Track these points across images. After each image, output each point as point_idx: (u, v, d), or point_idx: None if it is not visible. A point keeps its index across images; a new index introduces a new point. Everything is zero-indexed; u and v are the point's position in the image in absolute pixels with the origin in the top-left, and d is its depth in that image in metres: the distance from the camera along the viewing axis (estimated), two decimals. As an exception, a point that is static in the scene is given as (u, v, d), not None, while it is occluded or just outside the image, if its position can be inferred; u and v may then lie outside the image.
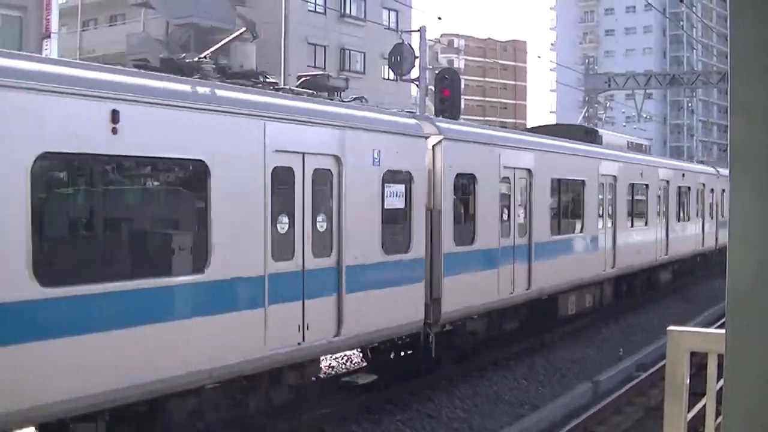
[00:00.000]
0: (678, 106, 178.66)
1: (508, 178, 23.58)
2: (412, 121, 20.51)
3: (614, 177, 31.67)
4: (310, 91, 18.45)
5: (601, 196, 30.48)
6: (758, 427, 3.11)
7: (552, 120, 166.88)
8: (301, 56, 62.95)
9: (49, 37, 41.49)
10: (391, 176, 18.67)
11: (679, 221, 40.46)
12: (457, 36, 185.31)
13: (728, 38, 3.05)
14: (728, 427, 3.19)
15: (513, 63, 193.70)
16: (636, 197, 34.41)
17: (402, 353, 21.68)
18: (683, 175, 41.75)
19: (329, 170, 16.77)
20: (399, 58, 39.44)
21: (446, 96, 32.03)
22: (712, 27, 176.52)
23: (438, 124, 21.41)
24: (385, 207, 18.53)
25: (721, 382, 3.36)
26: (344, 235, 16.93)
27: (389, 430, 18.28)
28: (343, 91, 20.16)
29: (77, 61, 17.63)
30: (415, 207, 19.56)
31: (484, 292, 22.24)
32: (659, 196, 37.02)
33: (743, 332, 3.07)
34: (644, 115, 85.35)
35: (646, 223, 35.53)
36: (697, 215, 43.87)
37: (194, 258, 14.02)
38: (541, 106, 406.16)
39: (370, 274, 17.91)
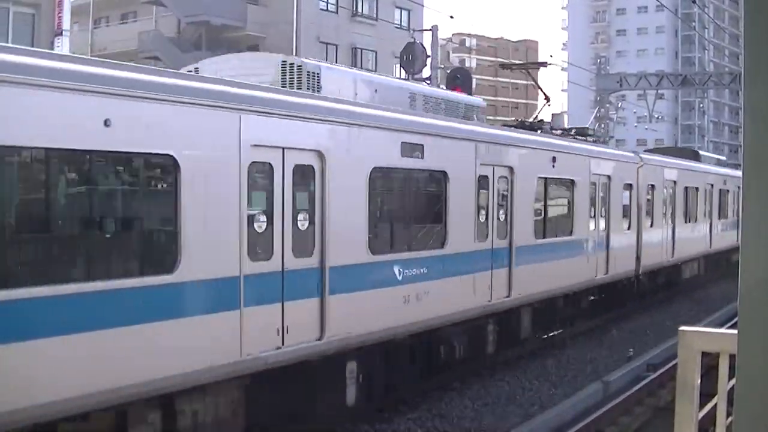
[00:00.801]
0: (689, 106, 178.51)
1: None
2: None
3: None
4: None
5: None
6: (770, 428, 3.12)
7: (564, 120, 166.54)
8: (312, 55, 62.86)
9: (61, 34, 41.60)
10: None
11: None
12: (469, 35, 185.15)
13: (742, 40, 3.06)
14: (740, 428, 3.20)
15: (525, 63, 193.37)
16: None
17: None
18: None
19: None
20: (411, 57, 39.52)
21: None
22: (725, 28, 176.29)
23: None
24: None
25: (732, 382, 3.37)
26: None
27: (399, 430, 18.29)
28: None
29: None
30: None
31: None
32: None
33: (755, 332, 3.07)
34: (656, 116, 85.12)
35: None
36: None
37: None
38: (553, 105, 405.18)
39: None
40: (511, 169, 23.42)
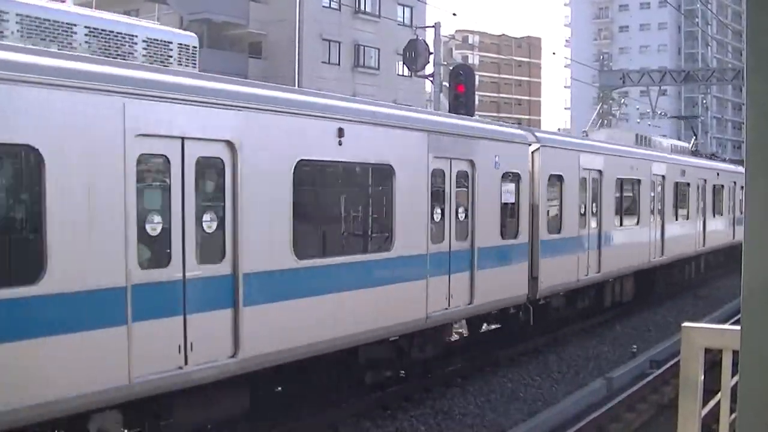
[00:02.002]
0: (692, 102, 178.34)
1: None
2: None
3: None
4: None
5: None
6: (773, 424, 3.11)
7: (567, 116, 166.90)
8: (315, 52, 63.06)
9: (63, 32, 41.52)
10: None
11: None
12: (472, 32, 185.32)
13: (744, 35, 3.04)
14: (743, 424, 3.19)
15: (527, 59, 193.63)
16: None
17: None
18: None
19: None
20: (413, 54, 39.43)
21: (460, 92, 31.92)
22: (727, 24, 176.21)
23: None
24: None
25: (735, 378, 3.36)
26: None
27: (403, 427, 18.28)
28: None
29: None
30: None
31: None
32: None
33: (758, 329, 3.06)
34: (659, 112, 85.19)
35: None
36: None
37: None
38: (556, 102, 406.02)
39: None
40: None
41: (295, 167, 15.49)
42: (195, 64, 16.89)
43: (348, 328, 16.94)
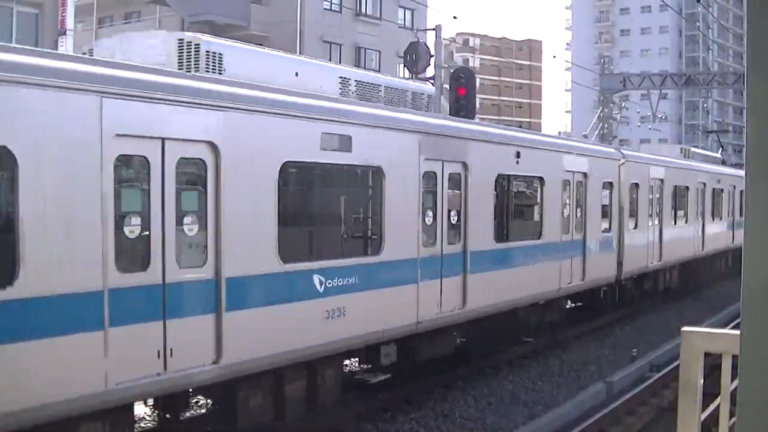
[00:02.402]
0: (693, 106, 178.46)
1: None
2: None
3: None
4: None
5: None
6: (773, 428, 3.11)
7: (568, 120, 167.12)
8: (316, 54, 62.96)
9: (64, 34, 41.66)
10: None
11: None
12: (473, 35, 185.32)
13: (745, 38, 3.04)
14: (742, 428, 3.19)
15: (528, 62, 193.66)
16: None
17: None
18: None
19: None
20: (414, 57, 39.44)
21: (461, 95, 31.93)
22: (729, 27, 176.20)
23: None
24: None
25: (735, 382, 3.36)
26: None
27: (403, 429, 18.30)
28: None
29: None
30: None
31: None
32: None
33: (758, 333, 3.06)
34: (659, 116, 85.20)
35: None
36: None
37: None
38: (556, 105, 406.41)
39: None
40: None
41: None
42: (427, 109, 21.92)
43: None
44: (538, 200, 25.27)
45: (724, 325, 28.17)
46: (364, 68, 66.62)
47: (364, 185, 18.69)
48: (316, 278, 15.93)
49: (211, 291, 13.67)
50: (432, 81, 42.32)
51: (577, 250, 27.34)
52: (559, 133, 63.11)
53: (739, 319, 3.27)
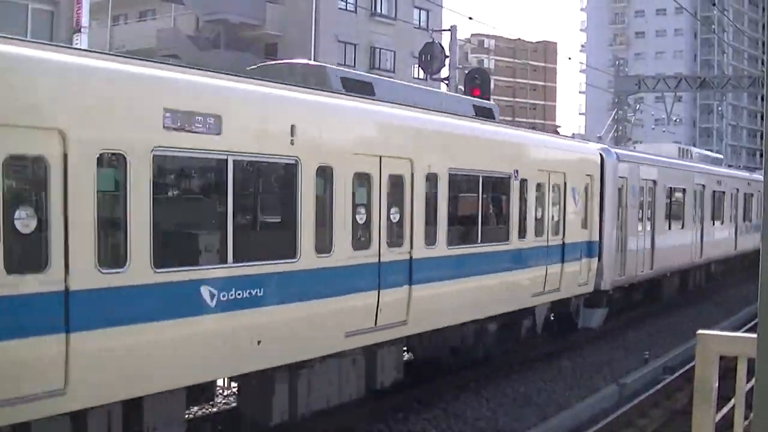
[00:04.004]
0: (708, 109, 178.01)
1: None
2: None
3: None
4: None
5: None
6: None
7: (582, 121, 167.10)
8: (331, 54, 63.00)
9: (79, 31, 41.71)
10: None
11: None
12: (488, 36, 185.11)
13: (764, 43, 3.06)
14: (758, 430, 3.21)
15: (543, 64, 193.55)
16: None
17: None
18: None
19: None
20: (429, 57, 39.54)
21: (476, 95, 31.95)
22: (744, 31, 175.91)
23: None
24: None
25: (749, 384, 3.38)
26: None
27: (415, 429, 18.29)
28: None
29: None
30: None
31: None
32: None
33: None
34: (674, 118, 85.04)
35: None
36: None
37: None
38: (571, 107, 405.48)
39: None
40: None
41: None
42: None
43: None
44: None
45: (736, 329, 28.10)
46: (379, 68, 66.67)
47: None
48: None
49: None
50: (447, 81, 42.40)
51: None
52: (573, 134, 62.98)
53: (751, 324, 3.29)
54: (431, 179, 18.86)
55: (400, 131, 18.50)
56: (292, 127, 14.79)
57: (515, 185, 22.51)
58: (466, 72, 37.60)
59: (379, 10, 70.29)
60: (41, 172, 10.80)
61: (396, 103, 18.71)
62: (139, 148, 11.96)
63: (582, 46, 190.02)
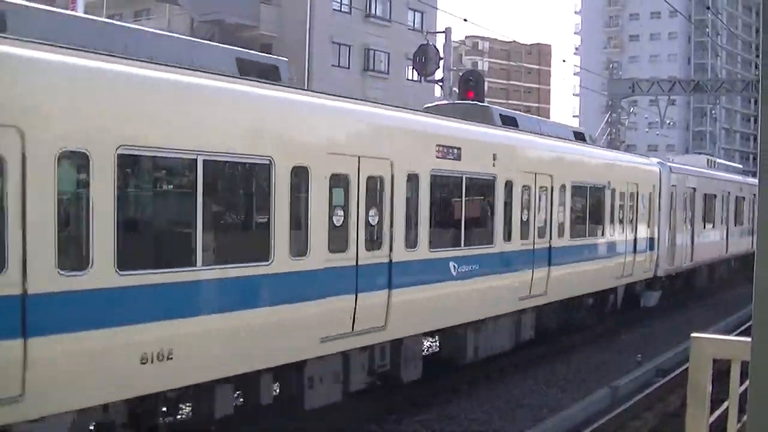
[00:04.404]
0: (701, 113, 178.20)
1: None
2: None
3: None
4: None
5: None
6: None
7: (576, 124, 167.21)
8: (325, 55, 63.11)
9: (75, 31, 41.69)
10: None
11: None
12: (482, 38, 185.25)
13: (760, 44, 3.06)
14: (753, 432, 3.21)
15: (537, 66, 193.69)
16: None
17: None
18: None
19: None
20: (424, 59, 39.51)
21: (470, 98, 31.95)
22: (738, 35, 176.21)
23: None
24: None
25: (742, 387, 3.38)
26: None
27: (408, 431, 18.29)
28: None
29: None
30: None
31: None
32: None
33: (770, 338, 3.08)
34: (667, 121, 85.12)
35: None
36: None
37: None
38: (565, 110, 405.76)
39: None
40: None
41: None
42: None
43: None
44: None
45: (729, 332, 28.12)
46: (373, 70, 66.67)
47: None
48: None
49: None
50: (441, 83, 42.40)
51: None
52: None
53: (744, 326, 3.29)
54: (563, 189, 25.49)
55: (546, 153, 25.25)
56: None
57: (608, 193, 29.23)
58: (461, 74, 37.54)
59: (373, 12, 70.30)
60: None
61: (537, 133, 25.45)
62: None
63: (576, 48, 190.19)
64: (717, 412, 10.27)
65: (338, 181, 16.23)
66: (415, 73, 48.05)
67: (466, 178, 20.25)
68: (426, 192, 18.82)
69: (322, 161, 15.61)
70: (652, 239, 33.71)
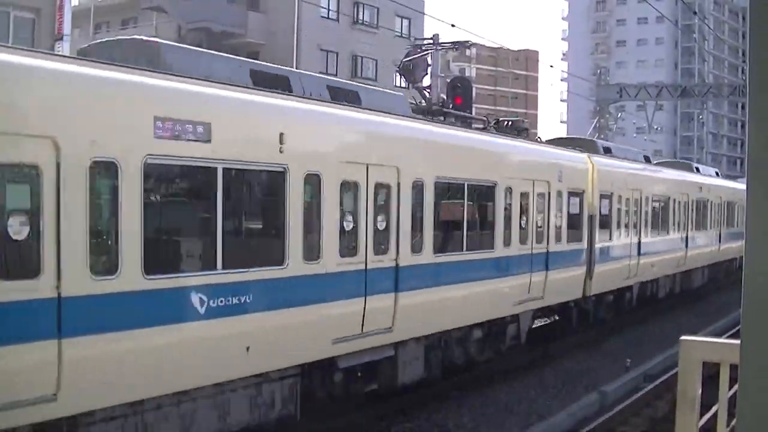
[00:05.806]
0: (689, 117, 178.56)
1: None
2: None
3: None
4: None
5: None
6: (772, 437, 3.13)
7: (563, 130, 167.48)
8: (313, 62, 63.02)
9: (61, 39, 41.65)
10: None
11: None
12: (470, 45, 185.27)
13: (747, 49, 3.06)
14: (742, 436, 3.21)
15: (524, 72, 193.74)
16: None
17: None
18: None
19: None
20: (411, 66, 39.50)
21: (458, 104, 31.91)
22: (724, 40, 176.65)
23: None
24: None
25: (732, 391, 3.38)
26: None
27: (397, 438, 18.30)
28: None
29: None
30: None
31: None
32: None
33: (759, 341, 3.08)
34: (655, 127, 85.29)
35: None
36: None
37: None
38: (552, 115, 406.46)
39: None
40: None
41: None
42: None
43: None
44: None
45: (717, 335, 28.16)
46: (361, 77, 66.68)
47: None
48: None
49: None
50: (428, 90, 42.39)
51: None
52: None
53: (734, 330, 3.30)
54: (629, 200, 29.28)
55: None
56: None
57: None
58: (448, 80, 37.57)
59: (361, 19, 70.31)
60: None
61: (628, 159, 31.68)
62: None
63: (563, 54, 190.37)
64: (707, 416, 10.28)
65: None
66: (403, 79, 48.05)
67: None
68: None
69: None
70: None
